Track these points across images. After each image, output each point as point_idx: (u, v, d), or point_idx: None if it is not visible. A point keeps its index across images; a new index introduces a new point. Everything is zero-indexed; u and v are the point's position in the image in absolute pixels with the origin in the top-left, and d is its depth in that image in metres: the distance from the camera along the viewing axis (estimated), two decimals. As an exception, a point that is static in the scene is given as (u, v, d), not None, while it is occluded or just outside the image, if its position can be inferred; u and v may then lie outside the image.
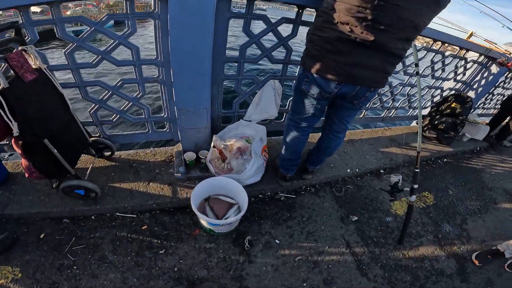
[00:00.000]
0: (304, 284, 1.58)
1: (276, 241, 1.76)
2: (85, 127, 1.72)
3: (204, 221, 1.59)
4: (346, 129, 1.72)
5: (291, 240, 1.78)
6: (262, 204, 2.00)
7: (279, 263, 1.64)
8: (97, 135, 1.91)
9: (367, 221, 2.02)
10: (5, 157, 1.82)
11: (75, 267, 1.46)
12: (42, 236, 1.56)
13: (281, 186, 2.05)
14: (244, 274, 1.55)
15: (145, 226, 1.70)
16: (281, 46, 1.88)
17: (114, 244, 1.58)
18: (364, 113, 2.89)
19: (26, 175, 1.38)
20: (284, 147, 1.83)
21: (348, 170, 2.32)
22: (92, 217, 1.69)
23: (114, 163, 1.97)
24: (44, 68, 1.32)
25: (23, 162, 1.36)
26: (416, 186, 1.75)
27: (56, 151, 1.36)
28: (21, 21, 1.27)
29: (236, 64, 1.85)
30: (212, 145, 1.93)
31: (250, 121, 2.13)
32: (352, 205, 2.12)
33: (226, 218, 1.71)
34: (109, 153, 1.97)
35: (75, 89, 1.61)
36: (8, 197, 1.64)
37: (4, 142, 1.65)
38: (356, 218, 2.01)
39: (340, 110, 1.59)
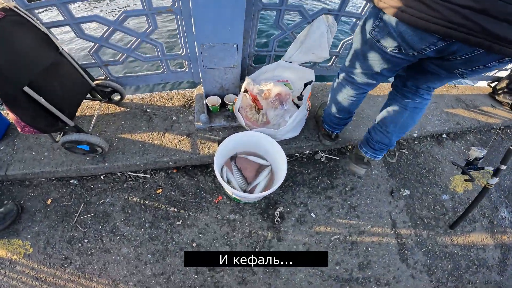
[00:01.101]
0: (337, 268, 1.41)
1: (312, 214, 1.51)
2: (88, 69, 1.41)
3: (230, 192, 1.32)
4: (429, 100, 1.21)
5: (330, 214, 1.53)
6: (298, 165, 1.69)
7: (313, 242, 1.44)
8: (103, 77, 1.57)
9: (420, 198, 1.70)
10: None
11: (85, 240, 1.32)
12: (49, 202, 1.40)
13: (323, 145, 1.68)
14: (272, 253, 1.36)
15: (160, 190, 1.47)
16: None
17: (126, 212, 1.40)
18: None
19: (19, 129, 1.14)
20: (330, 101, 1.38)
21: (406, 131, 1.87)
22: (101, 176, 1.48)
23: (125, 109, 1.67)
24: (14, 7, 1.07)
25: (11, 115, 1.10)
26: (504, 167, 1.32)
27: (43, 99, 1.07)
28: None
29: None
30: (242, 89, 1.55)
31: (291, 62, 1.67)
32: (405, 176, 1.77)
33: (256, 185, 1.44)
34: (119, 97, 1.66)
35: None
36: (11, 153, 1.45)
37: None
38: (408, 192, 1.69)
39: (427, 76, 1.07)
